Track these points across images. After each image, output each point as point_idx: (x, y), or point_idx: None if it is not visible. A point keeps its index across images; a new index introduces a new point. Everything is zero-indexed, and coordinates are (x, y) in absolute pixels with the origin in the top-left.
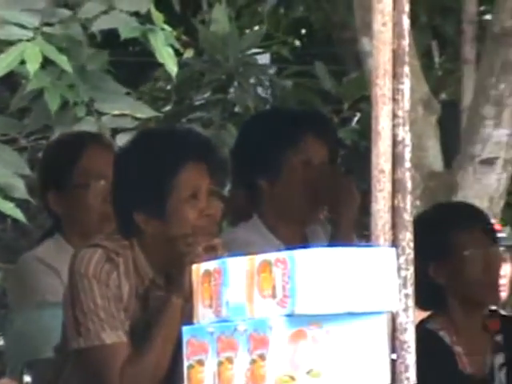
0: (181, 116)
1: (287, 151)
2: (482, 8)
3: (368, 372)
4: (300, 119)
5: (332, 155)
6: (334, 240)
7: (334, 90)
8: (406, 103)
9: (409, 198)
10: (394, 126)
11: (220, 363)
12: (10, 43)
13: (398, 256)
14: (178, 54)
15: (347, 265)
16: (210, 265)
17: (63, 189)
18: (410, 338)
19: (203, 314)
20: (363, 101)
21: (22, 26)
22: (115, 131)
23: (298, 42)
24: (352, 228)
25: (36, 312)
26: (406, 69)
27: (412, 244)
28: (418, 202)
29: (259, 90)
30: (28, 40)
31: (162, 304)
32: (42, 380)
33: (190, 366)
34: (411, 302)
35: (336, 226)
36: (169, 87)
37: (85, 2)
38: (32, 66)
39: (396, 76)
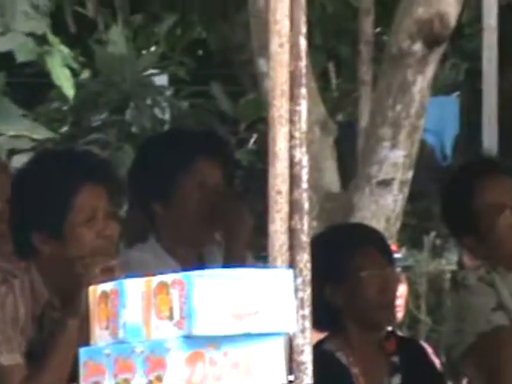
0: (78, 137)
1: (181, 173)
2: (378, 29)
3: None
4: (194, 141)
5: (227, 176)
6: (227, 261)
7: (231, 111)
8: (302, 124)
9: (306, 219)
10: (291, 147)
11: None
12: None
13: (295, 277)
14: (74, 74)
15: (244, 286)
16: (107, 286)
17: None
18: (307, 359)
19: (100, 335)
20: (260, 122)
21: None
22: (12, 152)
23: (194, 63)
24: (244, 249)
25: None
26: (303, 90)
27: (309, 265)
28: (315, 223)
29: (156, 110)
30: None
31: (58, 326)
32: None
33: None
34: (308, 324)
35: (228, 247)
36: (65, 108)
37: None
38: None
39: (293, 97)
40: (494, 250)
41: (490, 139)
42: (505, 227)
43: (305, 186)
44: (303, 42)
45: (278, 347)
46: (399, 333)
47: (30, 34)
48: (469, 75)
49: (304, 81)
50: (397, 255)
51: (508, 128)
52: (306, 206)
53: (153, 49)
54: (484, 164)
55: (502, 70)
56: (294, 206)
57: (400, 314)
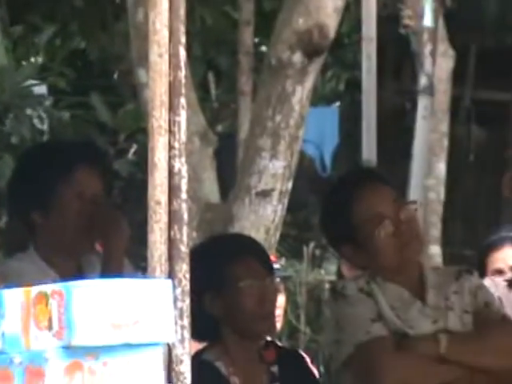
0: None
1: (59, 183)
2: (257, 40)
3: None
4: (72, 151)
5: (106, 186)
6: (106, 271)
7: (110, 122)
8: (182, 135)
9: (185, 230)
10: (171, 158)
11: None
12: None
13: (175, 287)
14: None
15: (124, 296)
16: None
17: None
18: (185, 369)
19: None
20: (140, 132)
21: None
22: None
23: (74, 74)
24: (122, 259)
25: None
26: (183, 100)
27: (188, 275)
28: (194, 234)
29: (35, 121)
30: None
31: None
32: None
33: None
34: (187, 334)
35: (107, 257)
36: None
37: None
38: None
39: (172, 108)
40: (373, 260)
41: (369, 150)
42: (383, 237)
43: (184, 196)
44: (182, 53)
45: (157, 357)
46: (279, 343)
47: None
48: (349, 85)
49: (183, 91)
50: (276, 265)
51: (387, 139)
52: (185, 216)
53: (33, 60)
54: (363, 174)
55: (381, 80)
56: (173, 217)
57: (279, 324)
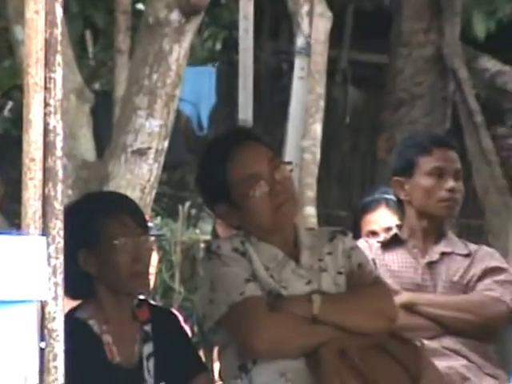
0: None
1: None
2: None
3: (16, 360)
4: None
5: None
6: None
7: None
8: (57, 92)
9: (60, 187)
10: (46, 115)
11: None
12: None
13: (48, 245)
14: None
15: None
16: None
17: None
18: (58, 326)
19: None
20: (15, 89)
21: None
22: None
23: None
24: None
25: None
26: (59, 58)
27: (62, 233)
28: (70, 192)
29: None
30: None
31: None
32: None
33: None
34: (60, 291)
35: None
36: None
37: None
38: None
39: (48, 65)
40: (248, 220)
41: (245, 110)
42: (258, 197)
43: (59, 153)
44: (59, 10)
45: (30, 314)
46: (152, 302)
47: None
48: (225, 45)
49: (59, 48)
50: (151, 224)
51: (264, 99)
52: (60, 173)
53: None
54: (238, 134)
55: (258, 40)
56: (47, 174)
57: (152, 283)
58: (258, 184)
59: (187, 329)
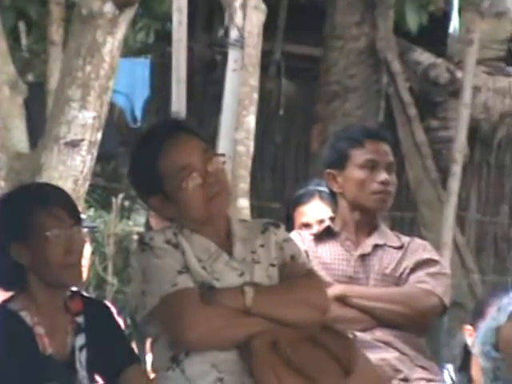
0: None
1: None
2: None
3: None
4: None
5: None
6: None
7: None
8: None
9: None
10: None
11: None
12: None
13: None
14: None
15: None
16: None
17: None
18: None
19: None
20: None
21: None
22: None
23: None
24: None
25: None
26: None
27: None
28: (2, 183)
29: None
30: None
31: None
32: None
33: None
34: None
35: None
36: None
37: None
38: None
39: None
40: (181, 212)
41: (178, 102)
42: (191, 189)
43: None
44: None
45: None
46: (85, 293)
47: None
48: (159, 37)
49: None
50: (84, 216)
51: (197, 91)
52: None
53: None
54: (171, 126)
55: (191, 32)
56: None
57: (85, 275)
58: (191, 176)
59: (120, 321)
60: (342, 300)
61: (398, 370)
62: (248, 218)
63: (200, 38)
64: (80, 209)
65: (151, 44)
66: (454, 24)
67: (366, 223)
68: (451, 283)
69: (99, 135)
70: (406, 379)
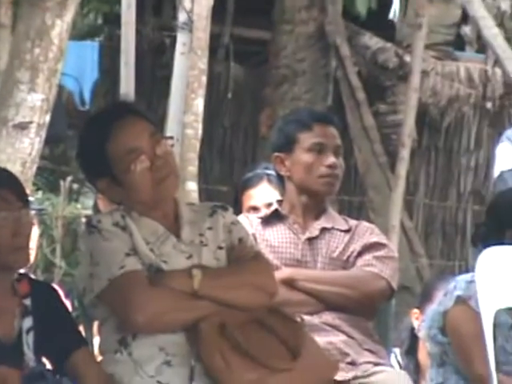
0: None
1: None
2: None
3: None
4: None
5: None
6: None
7: None
8: None
9: None
10: None
11: None
12: None
13: None
14: None
15: None
16: None
17: None
18: None
19: None
20: None
21: None
22: None
23: None
24: None
25: None
26: None
27: None
28: None
29: None
30: None
31: None
32: None
33: None
34: None
35: None
36: None
37: None
38: None
39: None
40: (129, 195)
41: (127, 85)
42: (139, 172)
43: None
44: None
45: None
46: (32, 276)
47: None
48: (107, 20)
49: None
50: (32, 199)
51: (146, 75)
52: None
53: None
54: (120, 109)
55: (140, 15)
56: None
57: (33, 257)
58: (139, 159)
59: (68, 303)
60: (289, 283)
61: (345, 354)
62: (196, 201)
63: (149, 21)
64: (28, 191)
65: (100, 27)
66: (395, 9)
67: (314, 206)
68: (399, 267)
69: (48, 118)
70: (353, 363)
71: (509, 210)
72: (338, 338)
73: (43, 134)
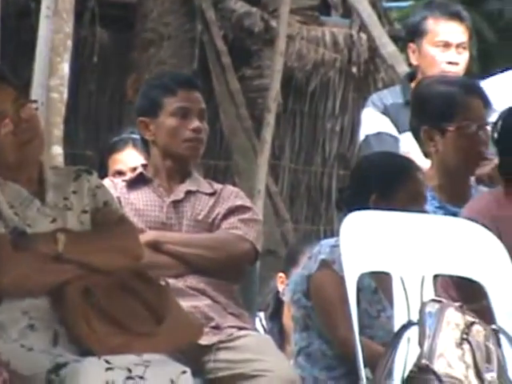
0: None
1: None
2: None
3: None
4: None
5: None
6: None
7: None
8: None
9: None
10: None
11: None
12: None
13: None
14: None
15: None
16: None
17: None
18: None
19: None
20: None
21: None
22: None
23: None
24: None
25: None
26: None
27: None
28: None
29: None
30: None
31: None
32: None
33: None
34: None
35: None
36: None
37: None
38: None
39: None
40: None
41: None
42: (2, 136)
43: None
44: None
45: None
46: None
47: None
48: None
49: None
50: None
51: (11, 38)
52: None
53: None
54: None
55: None
56: None
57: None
58: (3, 123)
59: None
60: (154, 246)
61: (209, 318)
62: (61, 165)
63: None
64: None
65: None
66: None
67: (179, 170)
68: (264, 231)
69: None
70: (217, 327)
71: (373, 174)
72: (202, 302)
73: None
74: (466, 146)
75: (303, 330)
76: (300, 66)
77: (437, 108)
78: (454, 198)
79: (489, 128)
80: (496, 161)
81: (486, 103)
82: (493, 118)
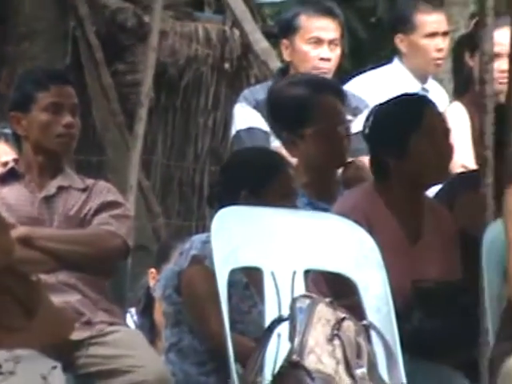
0: None
1: None
2: None
3: None
4: None
5: None
6: None
7: None
8: None
9: None
10: None
11: None
12: None
13: None
14: None
15: None
16: None
17: None
18: None
19: None
20: None
21: None
22: None
23: None
24: None
25: None
26: None
27: None
28: None
29: None
30: None
31: None
32: None
33: None
34: None
35: None
36: None
37: None
38: None
39: None
40: None
41: None
42: None
43: None
44: None
45: None
46: None
47: None
48: None
49: None
50: None
51: None
52: None
53: None
54: None
55: None
56: None
57: None
58: None
59: None
60: (25, 242)
61: (80, 313)
62: None
63: None
64: None
65: None
66: None
67: (50, 166)
68: (136, 227)
69: None
70: (88, 322)
71: (243, 169)
72: (73, 298)
73: None
74: (326, 147)
75: (174, 326)
76: (173, 62)
77: (290, 114)
78: (322, 195)
79: (347, 123)
80: (358, 162)
81: (341, 97)
82: (364, 113)
